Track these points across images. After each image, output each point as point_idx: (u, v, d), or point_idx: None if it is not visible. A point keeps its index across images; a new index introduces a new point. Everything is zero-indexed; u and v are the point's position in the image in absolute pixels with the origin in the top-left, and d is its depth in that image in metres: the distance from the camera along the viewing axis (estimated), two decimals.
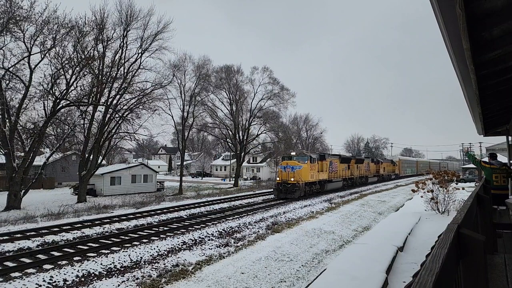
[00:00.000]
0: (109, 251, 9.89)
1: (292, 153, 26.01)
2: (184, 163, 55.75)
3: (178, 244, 10.87)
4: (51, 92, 21.90)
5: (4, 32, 19.57)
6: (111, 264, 8.79)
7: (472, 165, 49.60)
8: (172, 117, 38.36)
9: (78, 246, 10.59)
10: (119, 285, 7.53)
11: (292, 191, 23.01)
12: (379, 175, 45.04)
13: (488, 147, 60.90)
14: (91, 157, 25.64)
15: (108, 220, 15.13)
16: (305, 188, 23.74)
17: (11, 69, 20.53)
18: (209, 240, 11.64)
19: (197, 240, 11.51)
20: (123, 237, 11.85)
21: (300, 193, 23.00)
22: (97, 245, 10.61)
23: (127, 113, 26.34)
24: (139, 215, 16.64)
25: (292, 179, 23.24)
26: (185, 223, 14.36)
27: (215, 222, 14.63)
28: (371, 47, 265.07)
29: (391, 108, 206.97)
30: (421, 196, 16.01)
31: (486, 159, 9.30)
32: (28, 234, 12.11)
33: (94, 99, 24.49)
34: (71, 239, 11.66)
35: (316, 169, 25.47)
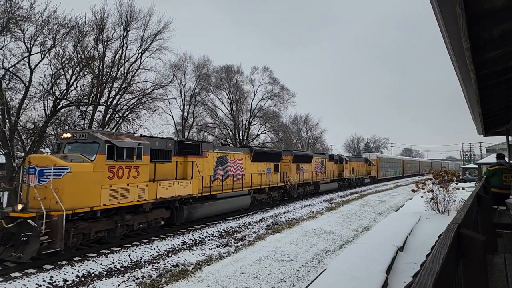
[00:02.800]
0: (109, 251, 9.88)
1: (64, 135, 10.59)
2: None
3: (178, 244, 10.87)
4: (51, 92, 21.88)
5: (4, 32, 19.56)
6: (111, 264, 8.78)
7: (472, 165, 49.62)
8: (172, 117, 38.33)
9: (78, 246, 10.56)
10: (119, 285, 7.53)
11: (18, 241, 8.08)
12: (343, 179, 31.96)
13: (488, 147, 60.89)
14: None
15: None
16: (73, 230, 9.01)
17: (11, 69, 20.50)
18: (209, 240, 11.64)
19: (197, 240, 11.50)
20: (123, 236, 11.82)
21: (34, 249, 8.00)
22: (97, 245, 10.60)
23: (127, 113, 26.34)
24: None
25: (29, 210, 8.36)
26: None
27: (215, 222, 14.61)
28: (371, 47, 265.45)
29: (391, 108, 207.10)
30: (421, 196, 16.02)
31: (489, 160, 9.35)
32: None
33: (94, 99, 24.47)
34: None
35: (144, 175, 11.04)
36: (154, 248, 10.27)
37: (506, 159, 9.86)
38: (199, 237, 11.85)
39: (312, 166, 25.72)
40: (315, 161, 26.41)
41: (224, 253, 9.99)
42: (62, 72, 22.41)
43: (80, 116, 25.50)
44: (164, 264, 8.94)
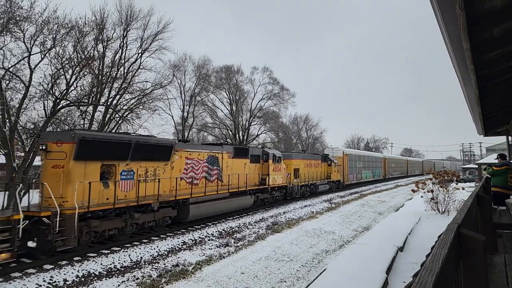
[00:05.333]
0: (109, 251, 9.88)
1: None
2: None
3: (178, 244, 10.87)
4: (51, 92, 21.89)
5: (4, 32, 19.56)
6: (111, 264, 8.79)
7: (472, 165, 49.65)
8: (172, 117, 38.36)
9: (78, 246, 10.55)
10: (119, 285, 7.53)
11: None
12: (267, 189, 19.21)
13: (488, 147, 60.93)
14: None
15: None
16: None
17: (11, 69, 20.50)
18: (209, 240, 11.64)
19: (197, 240, 11.51)
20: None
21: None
22: (97, 245, 10.59)
23: (127, 113, 26.35)
24: None
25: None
26: (185, 223, 14.29)
27: (215, 222, 14.61)
28: (373, 47, 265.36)
29: (392, 108, 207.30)
30: (421, 196, 16.04)
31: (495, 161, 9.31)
32: None
33: (94, 99, 24.48)
34: None
35: None
36: (154, 248, 10.27)
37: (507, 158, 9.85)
38: (199, 237, 11.85)
39: (177, 168, 12.90)
40: (187, 158, 13.44)
41: (224, 253, 9.99)
42: (62, 72, 22.41)
43: (80, 116, 25.49)
44: (164, 264, 8.94)
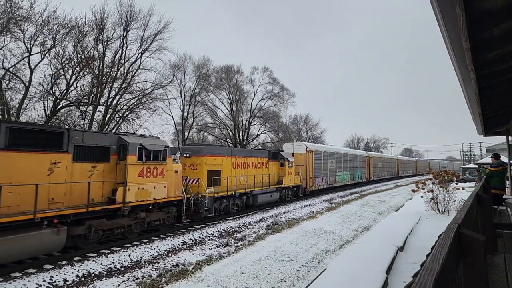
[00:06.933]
0: (109, 251, 9.88)
1: None
2: None
3: (178, 244, 10.87)
4: (51, 92, 21.90)
5: (4, 32, 19.56)
6: (111, 264, 8.79)
7: (472, 165, 49.68)
8: (172, 117, 38.44)
9: (78, 246, 10.54)
10: (119, 285, 7.52)
11: None
12: (122, 211, 10.17)
13: (488, 147, 60.99)
14: None
15: None
16: None
17: (11, 69, 20.53)
18: (209, 240, 11.64)
19: (197, 240, 11.51)
20: (123, 236, 11.82)
21: None
22: (97, 244, 10.59)
23: (127, 113, 26.37)
24: None
25: None
26: (185, 222, 14.29)
27: (215, 222, 14.61)
28: (373, 48, 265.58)
29: (392, 108, 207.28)
30: (421, 196, 16.03)
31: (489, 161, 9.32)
32: None
33: (94, 99, 24.49)
34: None
35: None
36: (154, 248, 10.27)
37: (503, 158, 9.81)
38: (199, 237, 11.85)
39: None
40: None
41: (224, 253, 9.99)
42: (62, 72, 22.44)
43: (80, 116, 25.52)
44: (164, 264, 8.94)
